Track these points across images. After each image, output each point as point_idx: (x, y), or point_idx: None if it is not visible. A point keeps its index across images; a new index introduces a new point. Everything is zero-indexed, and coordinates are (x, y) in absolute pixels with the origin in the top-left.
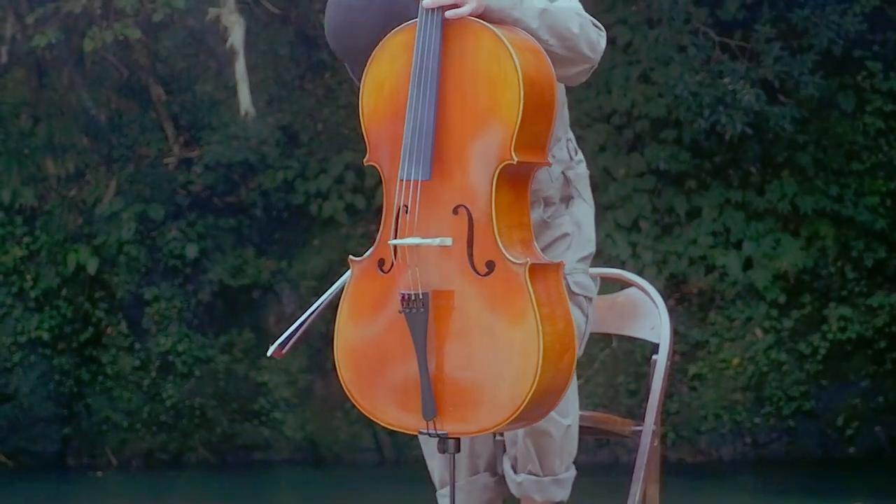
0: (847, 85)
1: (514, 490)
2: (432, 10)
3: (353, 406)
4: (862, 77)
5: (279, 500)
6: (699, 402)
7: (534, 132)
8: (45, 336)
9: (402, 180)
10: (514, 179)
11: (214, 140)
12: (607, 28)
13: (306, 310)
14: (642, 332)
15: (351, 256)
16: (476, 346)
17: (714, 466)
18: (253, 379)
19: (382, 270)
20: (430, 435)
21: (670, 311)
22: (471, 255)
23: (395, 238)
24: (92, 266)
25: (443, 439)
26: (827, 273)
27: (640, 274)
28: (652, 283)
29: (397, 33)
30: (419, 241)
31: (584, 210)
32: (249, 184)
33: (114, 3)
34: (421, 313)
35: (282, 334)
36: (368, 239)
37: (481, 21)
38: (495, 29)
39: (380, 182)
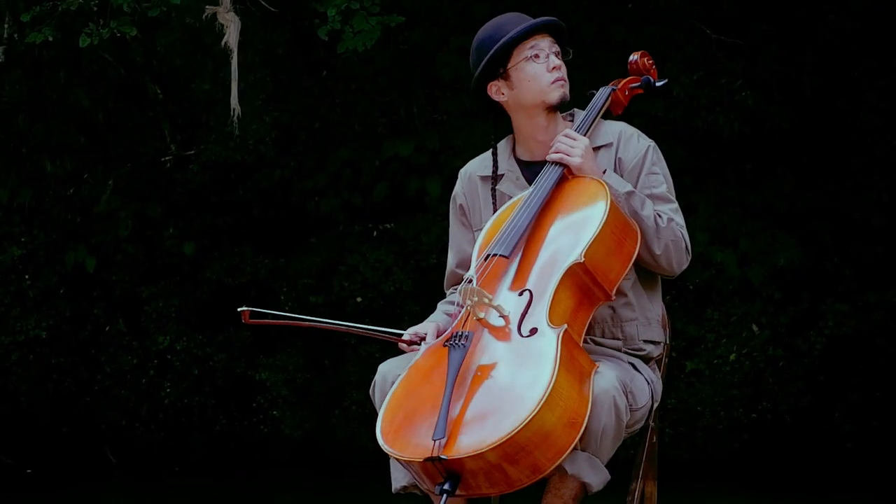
0: (843, 82)
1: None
2: (555, 163)
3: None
4: (858, 74)
5: (277, 498)
6: (696, 398)
7: (606, 254)
8: (44, 335)
9: (488, 256)
10: (578, 286)
11: (211, 138)
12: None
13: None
14: None
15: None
16: (496, 384)
17: (712, 462)
18: (251, 377)
19: (444, 345)
20: (432, 461)
21: (667, 307)
22: (520, 325)
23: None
24: (90, 265)
25: (444, 475)
26: (823, 269)
27: None
28: None
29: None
30: (489, 296)
31: None
32: (246, 182)
33: (111, 2)
34: (462, 346)
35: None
36: (365, 236)
37: (596, 179)
38: (605, 183)
39: (376, 179)
